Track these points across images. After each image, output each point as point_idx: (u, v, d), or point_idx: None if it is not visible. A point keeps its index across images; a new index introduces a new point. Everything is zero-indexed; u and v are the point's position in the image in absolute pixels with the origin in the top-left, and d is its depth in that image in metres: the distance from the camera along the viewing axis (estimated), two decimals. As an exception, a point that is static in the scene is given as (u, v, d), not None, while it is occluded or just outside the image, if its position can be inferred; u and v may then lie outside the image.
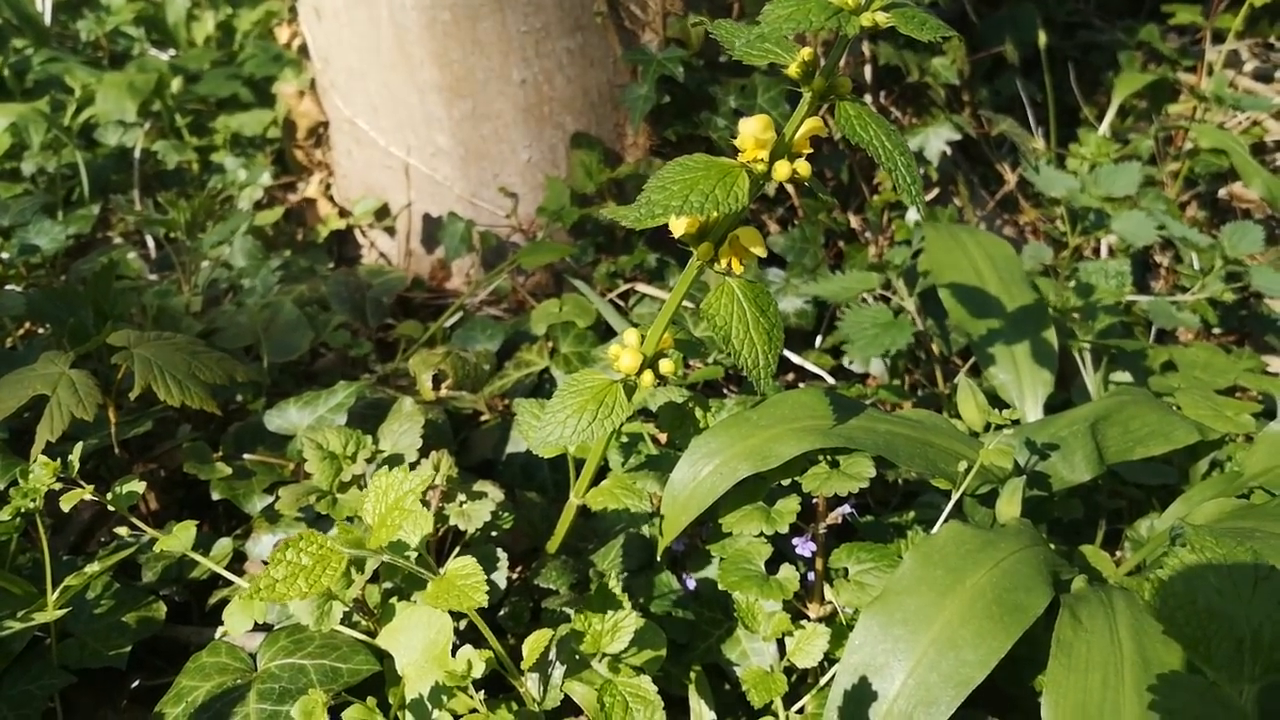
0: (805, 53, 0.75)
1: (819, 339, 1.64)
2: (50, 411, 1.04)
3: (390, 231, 1.78)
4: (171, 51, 2.48)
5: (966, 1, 2.16)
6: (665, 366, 0.92)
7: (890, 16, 0.72)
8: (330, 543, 0.73)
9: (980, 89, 2.10)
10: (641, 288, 1.55)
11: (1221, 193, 2.29)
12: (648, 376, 0.91)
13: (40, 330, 1.41)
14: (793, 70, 0.76)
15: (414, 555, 0.81)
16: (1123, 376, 1.43)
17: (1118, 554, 1.32)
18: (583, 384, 0.91)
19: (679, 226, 0.84)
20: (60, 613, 0.95)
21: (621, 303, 1.59)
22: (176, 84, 2.08)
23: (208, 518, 1.25)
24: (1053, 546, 1.19)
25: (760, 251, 0.84)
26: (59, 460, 0.91)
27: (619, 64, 1.59)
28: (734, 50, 0.72)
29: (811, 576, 1.05)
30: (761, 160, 0.78)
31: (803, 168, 0.80)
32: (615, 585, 0.90)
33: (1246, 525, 0.88)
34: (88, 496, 0.91)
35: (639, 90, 1.52)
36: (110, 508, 0.94)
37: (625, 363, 0.90)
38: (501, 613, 1.02)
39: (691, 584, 1.08)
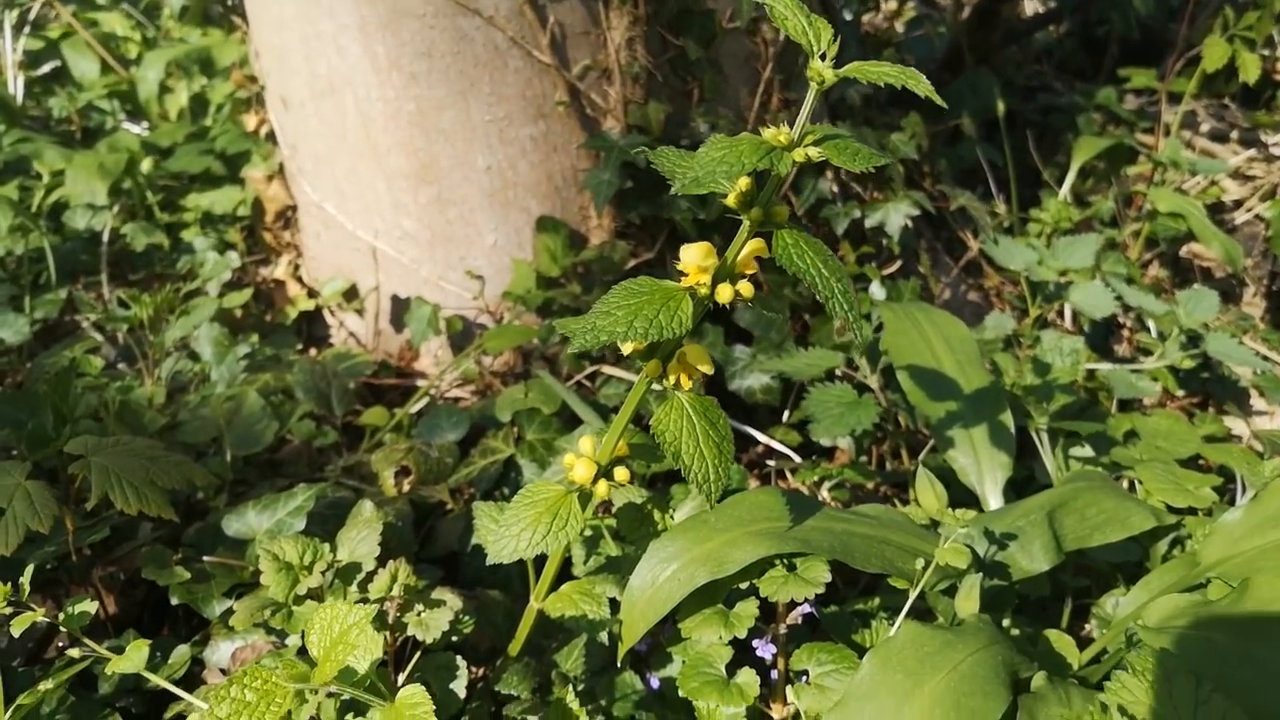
0: (743, 183, 0.77)
1: (786, 414, 1.65)
2: (5, 525, 1.04)
3: (359, 312, 1.78)
4: (144, 124, 2.49)
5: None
6: (620, 474, 0.93)
7: (823, 150, 0.73)
8: (275, 678, 0.73)
9: (941, 158, 2.14)
10: (608, 369, 1.56)
11: (1183, 251, 2.33)
12: (602, 486, 0.91)
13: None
14: (731, 200, 0.77)
15: (365, 680, 0.81)
16: (1084, 451, 1.44)
17: (1086, 627, 1.32)
18: (537, 496, 0.91)
19: (627, 346, 0.85)
20: (12, 735, 0.94)
21: (589, 383, 1.59)
22: (148, 164, 2.09)
23: (168, 619, 1.24)
24: (1015, 632, 1.20)
25: (707, 369, 0.85)
26: (9, 584, 0.90)
27: (582, 149, 1.61)
28: (674, 186, 0.74)
29: (775, 675, 1.04)
30: (704, 284, 0.80)
31: (745, 289, 0.81)
32: (572, 701, 0.89)
33: (1198, 622, 0.89)
34: (40, 619, 0.91)
35: (602, 175, 1.54)
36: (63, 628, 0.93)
37: (579, 473, 0.91)
38: (462, 721, 1.02)
39: (655, 683, 1.08)
